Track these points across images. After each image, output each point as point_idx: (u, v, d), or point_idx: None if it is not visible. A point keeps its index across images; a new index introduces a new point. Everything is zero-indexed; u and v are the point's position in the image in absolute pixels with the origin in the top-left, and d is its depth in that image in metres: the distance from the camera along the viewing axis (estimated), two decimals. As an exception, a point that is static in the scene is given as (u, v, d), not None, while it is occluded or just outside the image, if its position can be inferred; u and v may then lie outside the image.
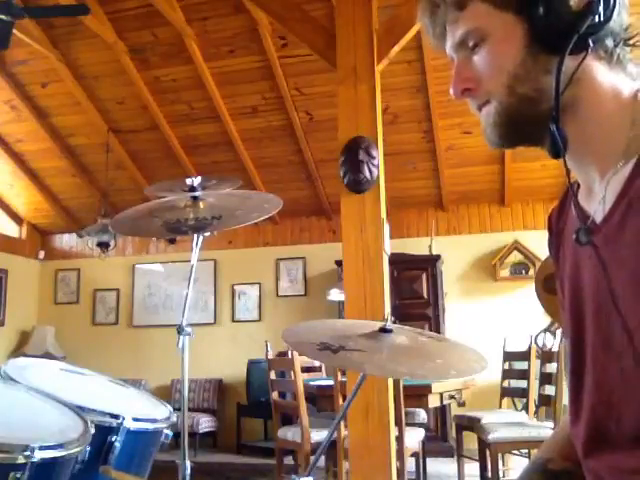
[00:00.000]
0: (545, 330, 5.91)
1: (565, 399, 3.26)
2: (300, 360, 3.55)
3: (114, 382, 1.95)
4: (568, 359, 0.86)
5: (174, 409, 1.81)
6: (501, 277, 6.39)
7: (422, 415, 4.39)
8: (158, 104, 5.93)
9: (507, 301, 6.30)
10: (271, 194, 2.10)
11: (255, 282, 7.06)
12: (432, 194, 6.57)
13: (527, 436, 3.71)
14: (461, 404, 4.13)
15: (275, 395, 3.85)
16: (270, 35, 5.16)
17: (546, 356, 4.22)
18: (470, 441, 4.45)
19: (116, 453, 1.53)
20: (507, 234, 6.46)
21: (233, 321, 7.10)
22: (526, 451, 4.10)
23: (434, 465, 5.09)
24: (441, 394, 3.70)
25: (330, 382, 3.52)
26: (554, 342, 5.78)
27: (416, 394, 3.50)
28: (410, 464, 3.77)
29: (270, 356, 3.89)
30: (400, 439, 3.27)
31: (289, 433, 3.70)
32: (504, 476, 4.22)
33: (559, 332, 5.72)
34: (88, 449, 1.38)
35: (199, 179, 2.00)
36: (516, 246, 6.39)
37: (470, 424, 4.16)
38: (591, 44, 0.74)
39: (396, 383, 3.21)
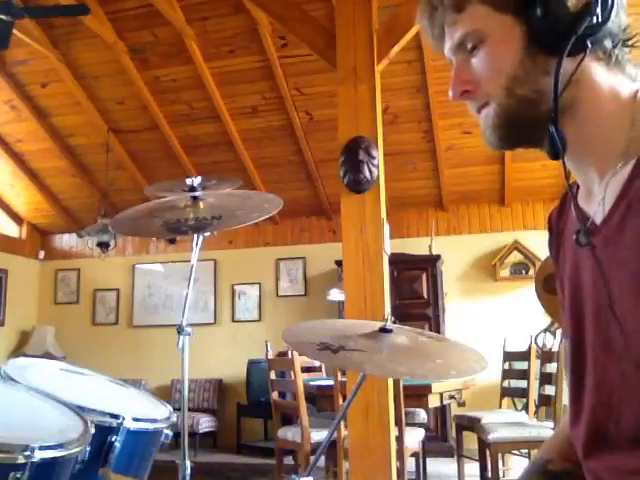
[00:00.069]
0: (545, 330, 5.91)
1: (565, 399, 3.26)
2: (300, 360, 3.55)
3: (114, 382, 1.95)
4: (568, 359, 0.86)
5: (174, 409, 1.81)
6: (501, 277, 6.39)
7: (422, 415, 4.38)
8: (158, 104, 5.93)
9: (507, 301, 6.30)
10: (271, 194, 2.11)
11: (255, 282, 7.06)
12: (432, 194, 6.57)
13: (527, 436, 3.70)
14: (461, 404, 4.13)
15: (275, 395, 3.85)
16: (270, 35, 5.16)
17: (546, 356, 4.22)
18: (470, 441, 4.45)
19: (116, 453, 1.53)
20: (507, 234, 6.46)
21: (233, 321, 7.10)
22: (526, 451, 4.09)
23: (434, 465, 5.09)
24: (441, 394, 3.70)
25: (330, 382, 3.52)
26: (554, 342, 5.78)
27: (416, 394, 3.50)
28: (410, 464, 3.76)
29: (270, 356, 3.89)
30: (400, 439, 3.27)
31: (289, 433, 3.70)
32: (504, 476, 4.22)
33: (559, 332, 5.71)
34: (88, 449, 1.38)
35: (199, 179, 2.00)
36: (516, 246, 6.39)
37: (470, 424, 4.15)
38: (589, 45, 0.74)
39: (396, 383, 3.20)
